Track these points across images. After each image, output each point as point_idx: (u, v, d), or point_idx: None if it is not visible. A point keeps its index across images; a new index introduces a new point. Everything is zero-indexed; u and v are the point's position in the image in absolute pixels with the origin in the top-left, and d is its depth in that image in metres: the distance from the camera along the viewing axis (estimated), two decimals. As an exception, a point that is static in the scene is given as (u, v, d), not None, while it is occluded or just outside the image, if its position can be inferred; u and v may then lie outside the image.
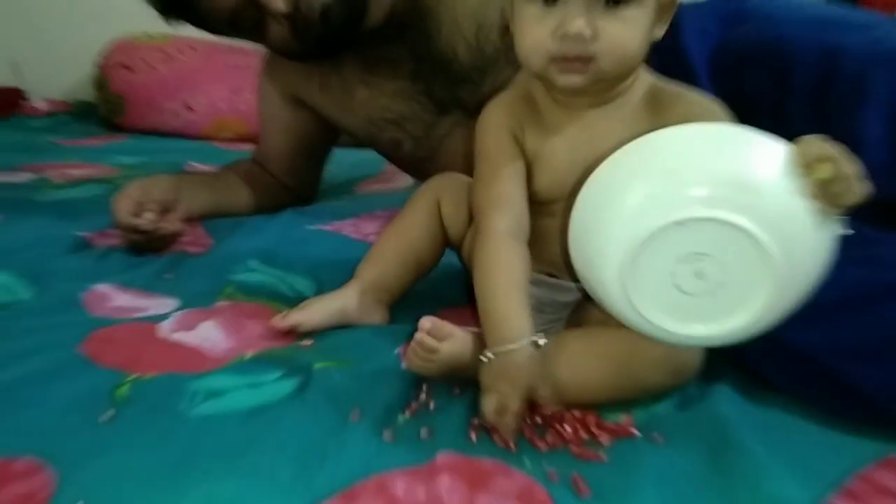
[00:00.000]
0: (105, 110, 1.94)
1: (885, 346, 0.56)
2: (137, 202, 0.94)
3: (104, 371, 0.65)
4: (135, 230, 0.92)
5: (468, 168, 0.90)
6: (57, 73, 2.16)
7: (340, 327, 0.73)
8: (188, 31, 1.97)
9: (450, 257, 0.80)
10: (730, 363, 0.64)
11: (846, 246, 0.60)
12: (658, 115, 0.61)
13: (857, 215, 0.63)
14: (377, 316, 0.75)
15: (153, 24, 2.10)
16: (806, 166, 0.47)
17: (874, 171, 0.66)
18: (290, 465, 0.51)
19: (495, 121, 0.66)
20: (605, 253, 0.50)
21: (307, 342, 0.71)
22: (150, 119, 1.89)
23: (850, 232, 0.51)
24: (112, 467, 0.51)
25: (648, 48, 0.58)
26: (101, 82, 1.92)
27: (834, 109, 0.71)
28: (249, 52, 1.96)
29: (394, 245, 0.77)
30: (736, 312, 0.48)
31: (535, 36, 0.57)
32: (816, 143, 0.48)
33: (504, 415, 0.54)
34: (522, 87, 0.66)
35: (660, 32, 0.60)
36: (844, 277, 0.58)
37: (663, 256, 0.48)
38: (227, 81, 1.92)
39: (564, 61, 0.56)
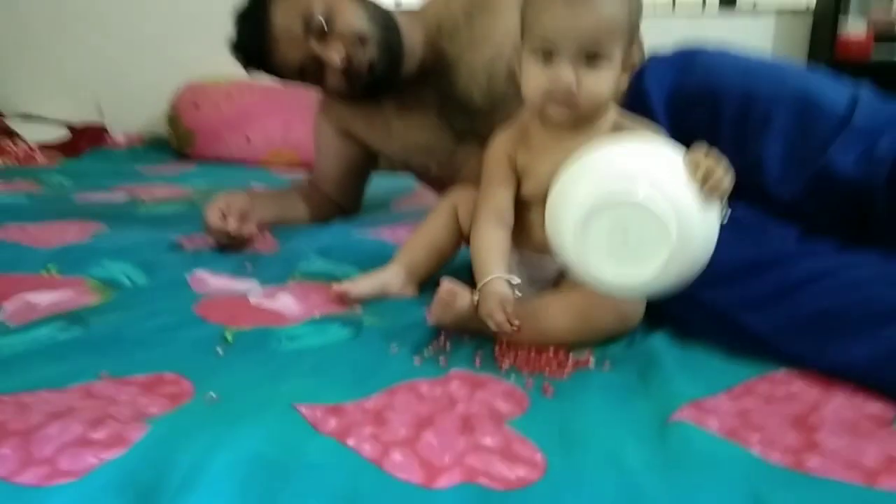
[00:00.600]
0: (177, 142, 2.24)
1: (769, 299, 0.79)
2: (223, 211, 1.20)
3: (214, 325, 0.90)
4: (221, 232, 1.18)
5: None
6: (133, 111, 2.48)
7: (379, 299, 0.98)
8: (247, 76, 2.29)
9: (465, 252, 1.05)
10: (666, 318, 0.87)
11: (748, 230, 0.84)
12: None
13: (758, 210, 0.87)
14: (409, 290, 1.00)
15: (218, 69, 2.45)
16: (691, 165, 0.71)
17: (774, 179, 0.91)
18: (350, 373, 0.75)
19: (497, 146, 0.92)
20: (564, 227, 0.74)
21: (358, 309, 0.96)
22: (215, 149, 2.18)
23: (730, 211, 0.73)
24: (229, 377, 0.75)
25: (618, 93, 0.83)
26: (174, 118, 2.23)
27: (749, 136, 0.94)
28: (300, 93, 2.26)
29: (422, 239, 1.03)
30: (649, 262, 0.71)
31: (537, 83, 0.82)
32: (700, 151, 0.72)
33: (491, 317, 0.78)
34: (520, 121, 0.91)
35: (624, 84, 0.84)
36: (743, 252, 0.82)
37: (599, 226, 0.72)
38: (280, 118, 2.20)
39: (556, 101, 0.81)
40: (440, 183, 1.33)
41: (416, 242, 1.04)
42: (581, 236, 0.72)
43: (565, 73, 0.79)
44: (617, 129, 0.87)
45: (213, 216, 1.20)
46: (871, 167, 0.85)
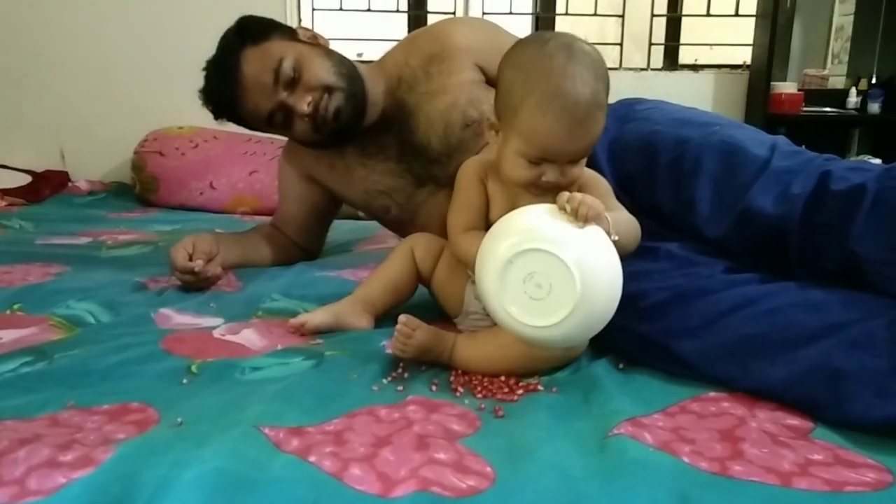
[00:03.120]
0: (141, 189, 2.26)
1: (697, 327, 0.86)
2: (189, 252, 1.24)
3: (179, 358, 0.93)
4: (187, 272, 1.22)
5: (441, 226, 1.24)
6: (96, 159, 2.50)
7: (341, 331, 1.02)
8: (212, 125, 2.34)
9: (422, 290, 1.10)
10: (608, 348, 0.93)
11: (678, 264, 0.91)
12: None
13: (691, 246, 0.95)
14: (363, 321, 1.04)
15: (182, 118, 2.50)
16: (561, 205, 0.80)
17: (704, 219, 0.99)
18: (311, 399, 0.79)
19: (470, 171, 0.98)
20: (487, 277, 0.82)
21: (319, 341, 1.00)
22: (179, 196, 2.21)
23: (616, 238, 0.82)
24: (194, 404, 0.78)
25: None
26: (139, 165, 2.26)
27: (683, 180, 1.02)
28: (262, 141, 2.32)
29: (379, 276, 1.08)
30: (562, 305, 0.79)
31: (524, 176, 0.89)
32: (562, 195, 0.81)
33: None
34: (489, 157, 0.98)
35: None
36: (673, 285, 0.89)
37: (515, 274, 0.80)
38: (243, 165, 2.25)
39: (542, 189, 0.89)
40: (400, 224, 1.39)
41: (373, 279, 1.09)
42: (501, 283, 0.81)
43: (556, 175, 0.88)
44: None
45: (178, 256, 1.23)
46: (787, 206, 0.94)
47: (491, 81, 1.23)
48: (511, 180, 0.91)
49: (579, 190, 0.90)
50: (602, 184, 0.96)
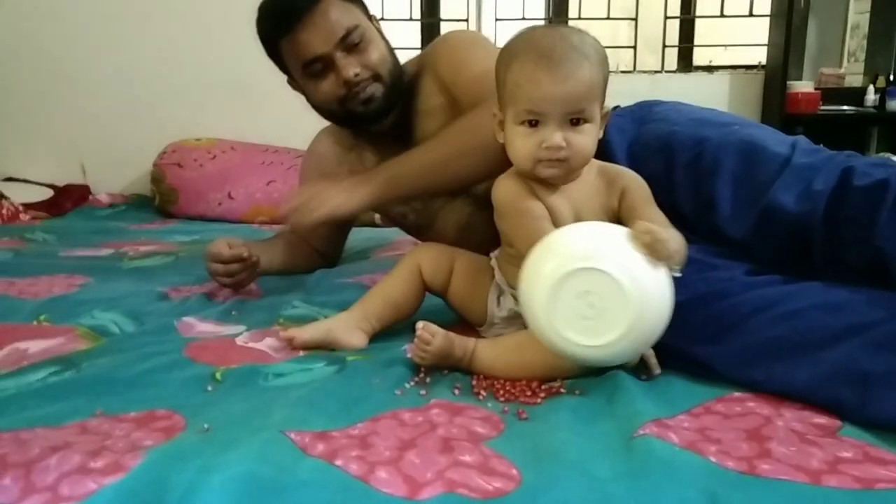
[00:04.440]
0: (160, 201, 2.30)
1: (718, 331, 0.85)
2: (225, 247, 1.26)
3: (203, 366, 0.94)
4: (236, 260, 1.24)
5: (457, 231, 1.23)
6: (117, 173, 2.54)
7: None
8: (229, 136, 2.37)
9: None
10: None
11: (697, 268, 0.90)
12: (611, 183, 0.94)
13: (711, 247, 0.94)
14: (355, 339, 1.00)
15: (199, 130, 2.54)
16: (635, 237, 0.78)
17: (725, 219, 0.99)
18: (335, 404, 0.79)
19: (513, 186, 0.93)
20: (535, 301, 0.80)
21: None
22: (198, 207, 2.24)
23: (679, 275, 0.81)
24: (219, 411, 0.79)
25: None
26: (158, 178, 2.29)
27: (702, 179, 1.01)
28: (280, 151, 2.34)
29: (379, 291, 1.07)
30: (614, 327, 0.77)
31: (526, 147, 0.88)
32: (643, 225, 0.79)
33: None
34: (512, 171, 0.97)
35: (601, 133, 0.93)
36: (692, 289, 0.89)
37: (567, 293, 0.78)
38: (261, 175, 2.27)
39: (548, 162, 0.88)
40: (419, 229, 1.39)
41: (373, 294, 1.07)
42: (549, 308, 0.79)
43: (555, 136, 0.86)
44: (605, 174, 0.96)
45: (222, 248, 1.25)
46: (810, 203, 0.93)
47: (455, 103, 1.24)
48: (521, 161, 0.90)
49: (621, 193, 0.92)
50: (644, 190, 0.94)
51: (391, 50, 1.29)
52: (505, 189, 0.94)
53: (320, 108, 1.31)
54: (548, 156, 0.87)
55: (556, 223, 0.91)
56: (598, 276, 0.77)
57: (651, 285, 0.78)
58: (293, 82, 1.30)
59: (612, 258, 0.77)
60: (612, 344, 0.78)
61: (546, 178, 0.91)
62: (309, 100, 1.31)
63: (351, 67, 1.20)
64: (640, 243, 0.78)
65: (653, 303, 0.78)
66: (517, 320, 0.98)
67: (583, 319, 0.78)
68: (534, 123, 0.88)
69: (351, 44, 1.21)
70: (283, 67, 1.29)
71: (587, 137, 0.89)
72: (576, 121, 0.88)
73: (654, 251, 0.77)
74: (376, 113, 1.26)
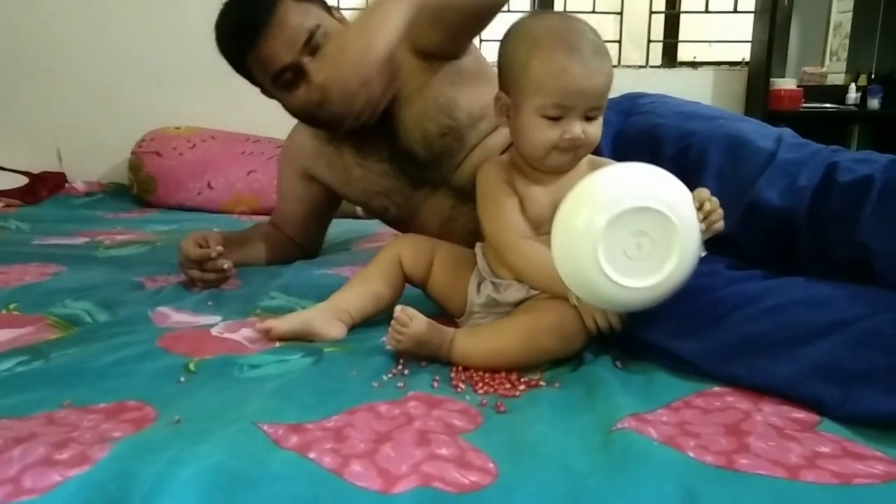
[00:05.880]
0: (138, 189, 2.26)
1: (698, 328, 0.85)
2: (200, 243, 1.23)
3: (176, 356, 0.92)
4: (204, 259, 1.21)
5: (440, 224, 1.21)
6: (94, 160, 2.50)
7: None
8: (209, 125, 2.33)
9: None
10: (612, 346, 0.92)
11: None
12: None
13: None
14: (334, 330, 0.98)
15: (179, 119, 2.50)
16: (697, 200, 0.81)
17: None
18: (310, 396, 0.78)
19: (494, 174, 0.97)
20: (579, 234, 0.79)
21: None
22: (177, 196, 2.21)
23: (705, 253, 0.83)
24: (192, 402, 0.77)
25: None
26: (136, 166, 2.25)
27: (687, 174, 1.00)
28: (261, 140, 2.31)
29: (358, 282, 1.05)
30: (658, 271, 0.79)
31: (546, 138, 0.89)
32: (705, 191, 0.82)
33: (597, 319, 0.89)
34: (506, 157, 0.98)
35: None
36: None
37: (621, 233, 0.78)
38: (241, 165, 2.24)
39: (565, 150, 0.90)
40: (401, 222, 1.38)
41: (352, 285, 1.05)
42: (599, 243, 0.78)
43: (578, 129, 0.89)
44: (594, 165, 0.96)
45: (191, 246, 1.22)
46: (794, 198, 0.93)
47: (423, 50, 1.18)
48: (534, 149, 0.91)
49: None
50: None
51: None
52: (487, 172, 0.99)
53: (298, 115, 1.28)
54: (568, 145, 0.89)
55: (531, 212, 0.94)
56: (656, 218, 0.78)
57: (693, 237, 0.81)
58: (266, 92, 1.26)
59: (669, 202, 0.79)
60: (652, 288, 0.80)
61: (553, 167, 0.93)
62: (285, 108, 1.27)
63: (321, 72, 1.13)
64: (699, 203, 0.81)
65: (691, 253, 0.81)
66: (495, 308, 0.97)
67: (630, 261, 0.79)
68: (557, 117, 0.88)
69: (316, 46, 1.15)
70: (254, 81, 1.25)
71: (597, 128, 0.92)
72: (591, 113, 0.90)
73: (709, 217, 0.81)
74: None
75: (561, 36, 0.89)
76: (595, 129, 0.91)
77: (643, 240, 0.79)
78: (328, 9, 1.23)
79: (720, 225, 0.83)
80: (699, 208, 0.81)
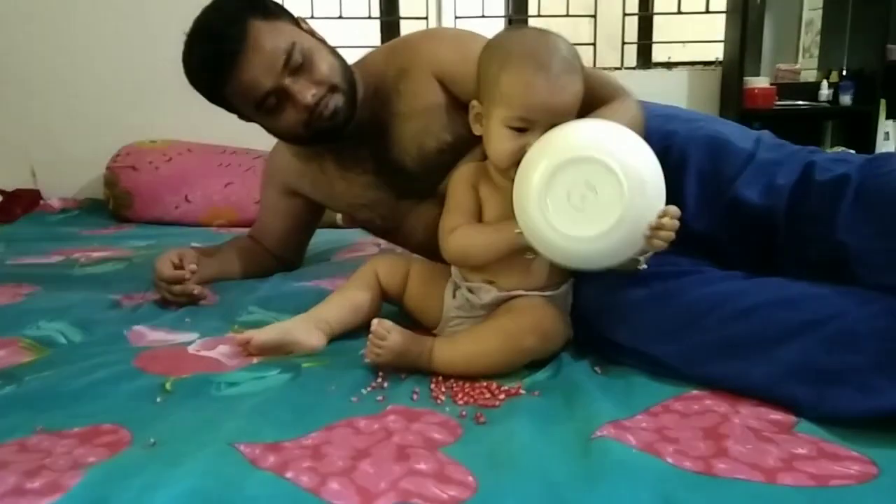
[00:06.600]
0: (114, 204, 2.23)
1: (674, 331, 0.85)
2: (174, 263, 1.22)
3: (152, 376, 0.90)
4: (176, 280, 1.19)
5: (426, 235, 1.21)
6: (69, 176, 2.46)
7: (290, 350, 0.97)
8: (185, 137, 2.30)
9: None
10: (589, 351, 0.92)
11: (656, 265, 0.90)
12: None
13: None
14: (314, 339, 0.98)
15: (154, 132, 2.47)
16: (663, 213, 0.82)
17: (691, 215, 0.99)
18: (288, 413, 0.77)
19: (463, 177, 1.00)
20: (532, 181, 0.83)
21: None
22: (153, 211, 2.18)
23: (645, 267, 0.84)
24: (168, 423, 0.76)
25: None
26: (112, 181, 2.22)
27: (669, 174, 0.99)
28: (238, 152, 2.30)
29: (337, 296, 1.06)
30: (599, 223, 0.81)
31: (508, 149, 0.90)
32: (675, 210, 0.83)
33: None
34: (480, 160, 0.99)
35: None
36: (649, 287, 0.89)
37: (563, 181, 0.81)
38: (219, 177, 2.22)
39: None
40: (385, 233, 1.37)
41: (332, 299, 1.06)
42: (547, 189, 0.82)
43: (535, 139, 0.88)
44: None
45: (165, 266, 1.21)
46: (773, 197, 0.94)
47: (457, 96, 1.15)
48: (498, 158, 0.92)
49: None
50: None
51: (333, 50, 1.20)
52: (458, 172, 1.02)
53: (284, 137, 1.24)
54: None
55: (487, 216, 0.97)
56: (605, 173, 0.80)
57: (642, 206, 0.82)
58: (245, 117, 1.20)
59: (614, 153, 0.81)
60: (599, 238, 0.81)
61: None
62: (270, 131, 1.23)
63: (306, 91, 1.11)
64: (663, 213, 0.83)
65: (636, 219, 0.82)
66: (470, 312, 0.98)
67: (574, 210, 0.82)
68: (521, 128, 0.89)
69: (295, 65, 1.10)
70: (231, 109, 1.19)
71: None
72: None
73: (656, 231, 0.82)
74: (344, 122, 1.17)
75: (532, 51, 0.90)
76: None
77: (590, 193, 0.81)
78: (296, 21, 1.20)
79: (661, 244, 0.83)
80: (661, 217, 0.82)
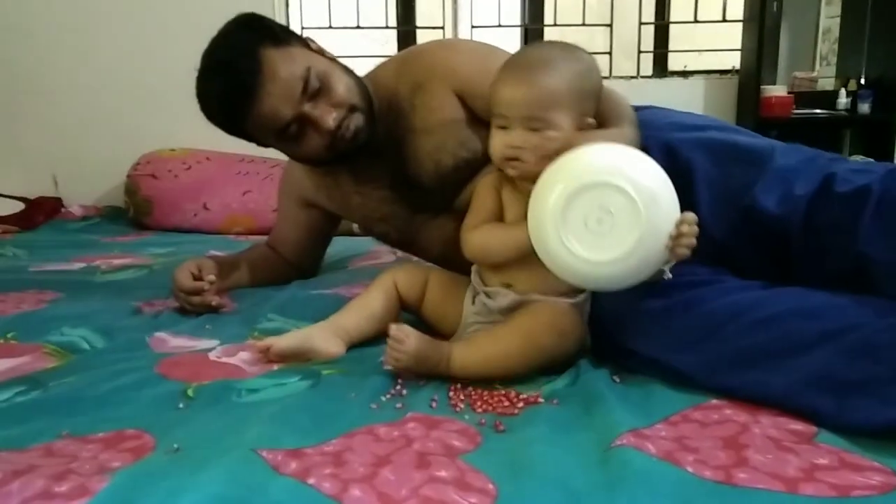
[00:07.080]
0: (134, 212, 2.26)
1: (693, 341, 0.85)
2: (194, 273, 1.23)
3: (175, 382, 0.92)
4: (195, 292, 1.20)
5: (443, 248, 1.20)
6: (90, 184, 2.50)
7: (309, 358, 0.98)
8: (204, 146, 2.31)
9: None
10: (609, 359, 0.93)
11: (677, 272, 0.90)
12: None
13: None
14: (333, 347, 1.00)
15: (174, 140, 2.49)
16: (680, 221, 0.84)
17: (705, 222, 0.99)
18: (309, 420, 0.78)
19: (488, 180, 1.02)
20: (548, 205, 0.84)
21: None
22: (173, 218, 2.21)
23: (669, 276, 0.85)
24: (190, 429, 0.77)
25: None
26: (132, 189, 2.25)
27: (679, 182, 1.00)
28: (256, 161, 2.32)
29: (356, 304, 1.07)
30: (618, 246, 0.82)
31: (496, 146, 0.94)
32: (692, 216, 0.85)
33: None
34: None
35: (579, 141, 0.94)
36: (667, 297, 0.89)
37: (583, 205, 0.82)
38: (237, 186, 2.24)
39: (511, 158, 0.93)
40: (402, 245, 1.38)
41: (350, 307, 1.07)
42: (562, 214, 0.83)
43: (514, 137, 0.92)
44: None
45: (184, 277, 1.22)
46: (790, 206, 0.94)
47: (477, 111, 1.14)
48: (493, 158, 0.96)
49: None
50: None
51: (345, 68, 1.18)
52: (485, 178, 1.05)
53: (306, 161, 1.24)
54: (509, 154, 0.93)
55: (507, 217, 0.99)
56: (621, 196, 0.82)
57: (658, 229, 0.83)
58: (264, 144, 1.20)
59: (623, 172, 0.83)
60: (621, 259, 0.82)
61: (513, 175, 0.96)
62: (291, 157, 1.23)
63: (327, 115, 1.10)
64: (680, 221, 0.84)
65: (653, 243, 0.83)
66: (489, 317, 0.99)
67: (590, 234, 0.83)
68: (505, 127, 0.93)
69: (313, 91, 1.09)
70: (251, 140, 1.19)
71: (546, 141, 0.92)
72: (537, 126, 0.92)
73: (678, 240, 0.84)
74: (366, 141, 1.17)
75: (515, 56, 0.98)
76: (539, 140, 0.91)
77: (606, 216, 0.82)
78: (305, 43, 1.18)
79: (685, 252, 0.84)
80: (679, 225, 0.84)
